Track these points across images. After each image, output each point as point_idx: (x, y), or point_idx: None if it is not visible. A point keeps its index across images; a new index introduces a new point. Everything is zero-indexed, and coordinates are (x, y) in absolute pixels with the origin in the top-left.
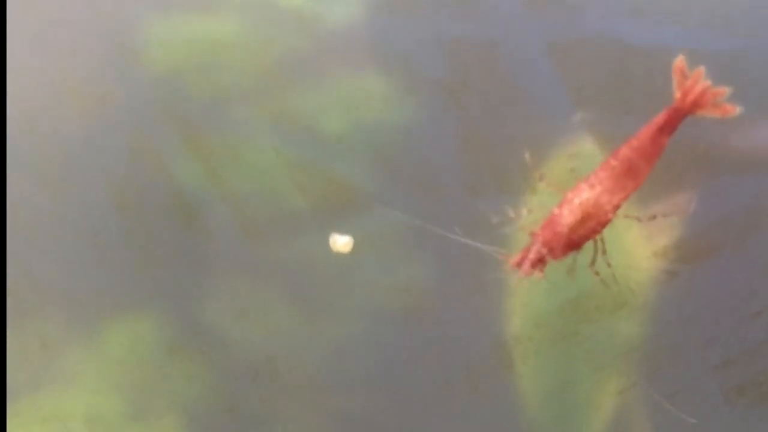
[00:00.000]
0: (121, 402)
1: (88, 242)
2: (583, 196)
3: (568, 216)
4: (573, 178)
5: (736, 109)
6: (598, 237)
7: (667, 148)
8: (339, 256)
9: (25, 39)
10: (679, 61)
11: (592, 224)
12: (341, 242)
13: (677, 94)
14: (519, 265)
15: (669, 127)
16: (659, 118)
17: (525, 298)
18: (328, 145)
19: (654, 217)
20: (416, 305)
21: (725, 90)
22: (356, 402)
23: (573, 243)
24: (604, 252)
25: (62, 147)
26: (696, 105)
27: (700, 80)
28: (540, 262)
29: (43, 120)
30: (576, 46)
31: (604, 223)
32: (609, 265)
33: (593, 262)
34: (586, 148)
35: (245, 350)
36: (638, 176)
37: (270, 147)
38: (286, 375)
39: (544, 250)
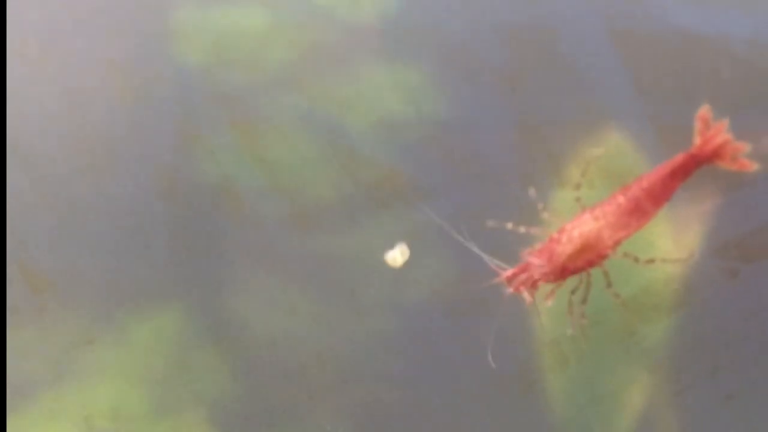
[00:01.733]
0: (146, 395)
1: (119, 234)
2: (586, 227)
3: (566, 244)
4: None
5: (754, 165)
6: (593, 270)
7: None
8: (369, 248)
9: (68, 23)
10: (704, 110)
11: (590, 256)
12: (399, 252)
13: (697, 141)
14: (510, 280)
15: (682, 172)
16: (674, 161)
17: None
18: (362, 136)
19: (652, 261)
20: (464, 300)
21: (746, 146)
22: (381, 397)
23: (568, 271)
24: (610, 285)
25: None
26: (714, 155)
27: (722, 132)
28: (532, 284)
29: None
30: (638, 34)
31: (602, 257)
32: (617, 295)
33: (585, 299)
34: (642, 139)
35: (270, 344)
36: (643, 217)
37: (301, 138)
38: (312, 369)
39: (537, 275)
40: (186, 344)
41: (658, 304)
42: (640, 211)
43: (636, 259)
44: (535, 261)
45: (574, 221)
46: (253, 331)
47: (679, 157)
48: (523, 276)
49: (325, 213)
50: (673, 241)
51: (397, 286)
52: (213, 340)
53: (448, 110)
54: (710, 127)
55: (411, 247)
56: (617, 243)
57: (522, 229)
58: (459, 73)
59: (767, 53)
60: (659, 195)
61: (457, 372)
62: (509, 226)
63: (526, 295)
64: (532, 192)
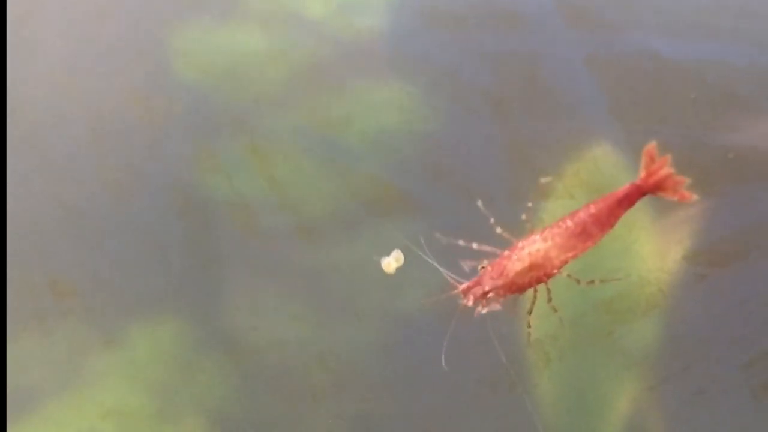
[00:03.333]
0: (148, 402)
1: (137, 247)
2: (534, 246)
3: (517, 261)
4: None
5: (694, 197)
6: (539, 286)
7: (698, 154)
8: (367, 258)
9: (89, 56)
10: (651, 146)
11: (537, 274)
12: (394, 259)
13: (642, 173)
14: (465, 293)
15: (627, 201)
16: (620, 191)
17: (562, 298)
18: (354, 153)
19: (592, 281)
20: (448, 306)
21: (685, 180)
22: (380, 405)
23: (516, 287)
24: (550, 300)
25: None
26: (657, 187)
27: (666, 166)
28: (483, 296)
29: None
30: (614, 61)
31: (549, 275)
32: (555, 310)
33: (531, 311)
34: (618, 155)
35: (272, 351)
36: (588, 240)
37: (296, 153)
38: (312, 374)
39: (487, 288)
40: (190, 351)
41: (633, 307)
42: (586, 234)
43: (578, 281)
44: (488, 275)
45: (526, 240)
46: (256, 338)
47: (625, 188)
48: (477, 289)
49: (325, 225)
50: (656, 248)
51: (394, 293)
52: (216, 347)
53: (439, 128)
54: (655, 162)
55: (406, 257)
56: (564, 262)
57: (474, 246)
58: (448, 94)
59: (733, 75)
60: (605, 221)
61: (451, 374)
62: (466, 243)
63: (479, 307)
64: (489, 216)
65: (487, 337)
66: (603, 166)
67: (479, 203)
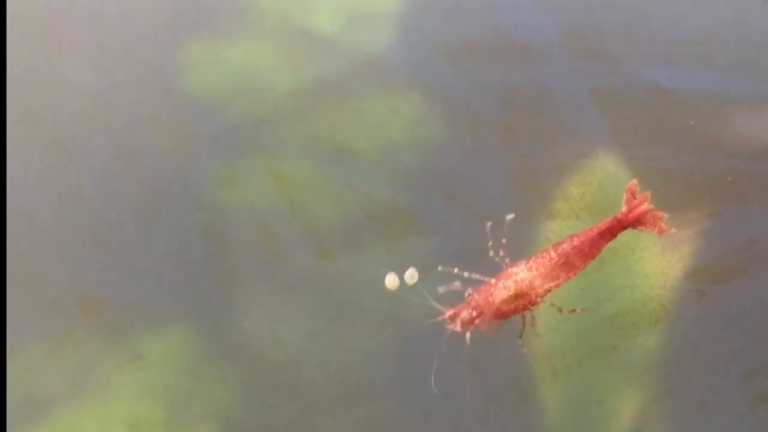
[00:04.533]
0: (164, 414)
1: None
2: (520, 276)
3: (502, 290)
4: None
5: (672, 230)
6: (527, 313)
7: (696, 176)
8: (378, 272)
9: (115, 86)
10: (632, 183)
11: (522, 302)
12: (409, 275)
13: (623, 208)
14: (452, 319)
15: (609, 234)
16: (602, 224)
17: (569, 313)
18: (361, 167)
19: (573, 310)
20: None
21: (664, 215)
22: (390, 413)
23: (501, 314)
24: (534, 325)
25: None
26: (637, 221)
27: (645, 202)
28: (470, 323)
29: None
30: (617, 91)
31: (533, 303)
32: (538, 335)
33: (521, 335)
34: (621, 179)
35: (284, 365)
36: (571, 270)
37: (305, 167)
38: (322, 386)
39: (474, 314)
40: (206, 363)
41: (637, 322)
42: (569, 265)
43: (560, 310)
44: (474, 302)
45: (513, 268)
46: (270, 351)
47: (607, 221)
48: (464, 315)
49: (337, 242)
50: (658, 266)
51: (405, 307)
52: (231, 359)
53: (446, 149)
54: (636, 198)
55: (424, 268)
56: (547, 291)
57: (466, 274)
58: (456, 116)
59: (730, 104)
60: (587, 252)
61: (460, 386)
62: (458, 270)
63: (466, 333)
64: (489, 239)
65: (496, 349)
66: (606, 189)
67: (488, 225)
